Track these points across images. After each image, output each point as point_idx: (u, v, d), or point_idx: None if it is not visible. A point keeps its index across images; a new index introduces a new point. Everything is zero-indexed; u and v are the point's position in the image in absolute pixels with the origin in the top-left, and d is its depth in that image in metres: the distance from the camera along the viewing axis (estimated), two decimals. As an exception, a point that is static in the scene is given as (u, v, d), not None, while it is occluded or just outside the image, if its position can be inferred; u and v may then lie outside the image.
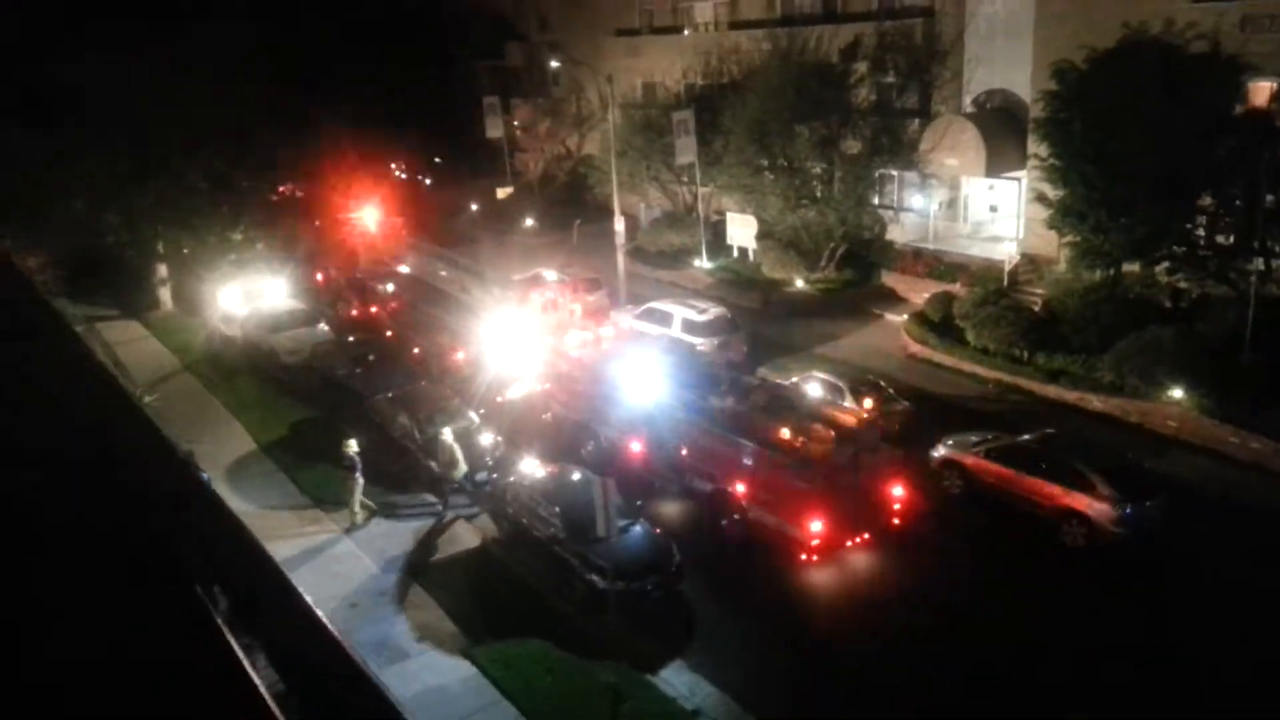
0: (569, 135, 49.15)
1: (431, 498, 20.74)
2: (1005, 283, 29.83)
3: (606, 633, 15.78)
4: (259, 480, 21.45)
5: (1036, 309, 27.50)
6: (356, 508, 19.59)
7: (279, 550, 16.96)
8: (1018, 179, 32.17)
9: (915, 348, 28.38)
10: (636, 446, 20.73)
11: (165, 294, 35.24)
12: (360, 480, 19.53)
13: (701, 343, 26.85)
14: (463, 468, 19.98)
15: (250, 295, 30.46)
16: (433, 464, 20.24)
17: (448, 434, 20.06)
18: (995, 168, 32.10)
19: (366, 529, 19.58)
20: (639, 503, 18.76)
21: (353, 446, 19.73)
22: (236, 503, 19.45)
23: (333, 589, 17.09)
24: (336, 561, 18.39)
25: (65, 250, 33.67)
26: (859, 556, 18.22)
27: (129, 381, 24.73)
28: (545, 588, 17.45)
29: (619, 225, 33.05)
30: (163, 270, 35.02)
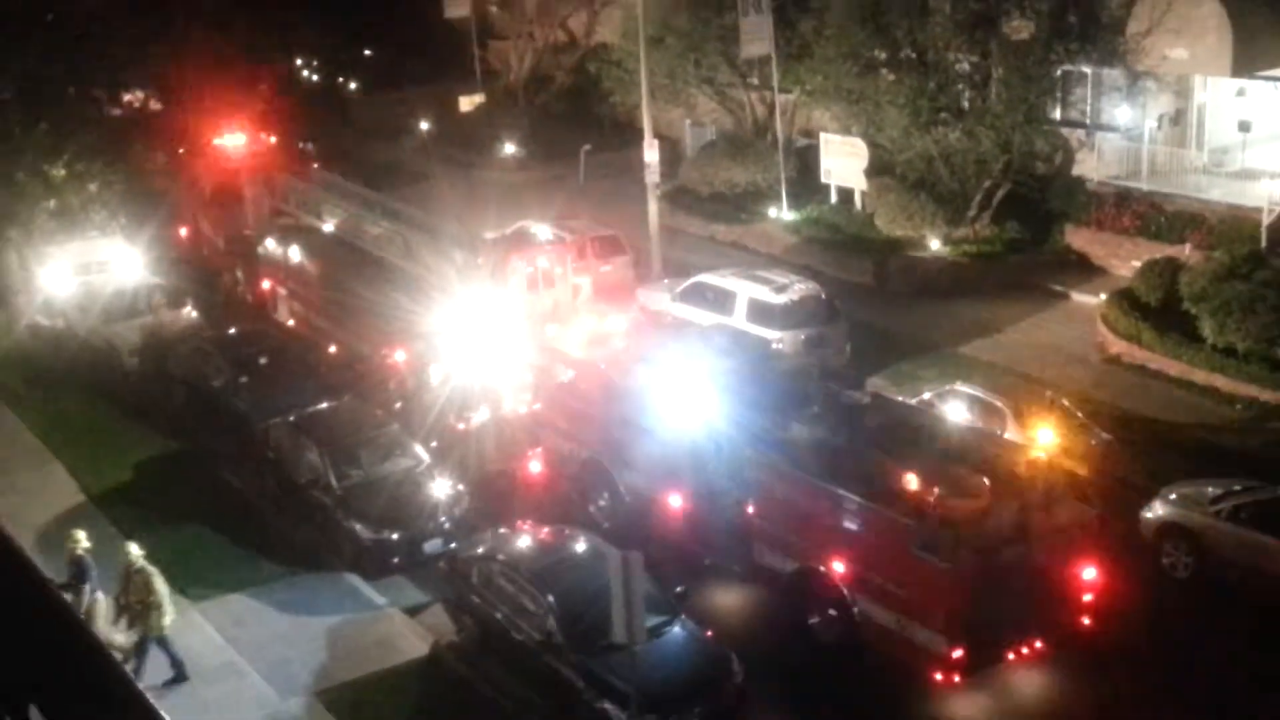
0: (572, 14, 49.26)
1: (355, 578, 20.86)
2: (1264, 243, 29.49)
3: (628, 793, 15.75)
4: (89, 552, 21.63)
5: (1314, 285, 27.20)
6: (116, 637, 18.17)
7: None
8: (1284, 79, 31.83)
9: (1119, 346, 28.21)
10: (676, 501, 20.72)
11: (-53, 263, 35.67)
12: (101, 599, 18.32)
13: (780, 337, 26.81)
14: (122, 638, 18.14)
15: (81, 266, 30.81)
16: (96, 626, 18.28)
17: (100, 601, 18.19)
18: (1248, 61, 31.68)
19: (254, 627, 19.70)
20: (680, 590, 18.76)
21: (81, 542, 18.73)
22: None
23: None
24: (207, 681, 18.49)
25: None
26: (1027, 676, 18.07)
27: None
28: (532, 721, 17.44)
29: (651, 154, 33.03)
30: (-56, 226, 35.47)
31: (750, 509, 19.70)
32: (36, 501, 23.29)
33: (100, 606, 18.53)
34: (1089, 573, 18.13)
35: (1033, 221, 34.24)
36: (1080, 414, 23.45)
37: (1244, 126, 34.23)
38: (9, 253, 32.74)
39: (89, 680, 5.91)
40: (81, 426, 26.75)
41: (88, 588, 18.61)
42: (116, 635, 18.57)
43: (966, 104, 34.04)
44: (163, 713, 5.82)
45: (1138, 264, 30.29)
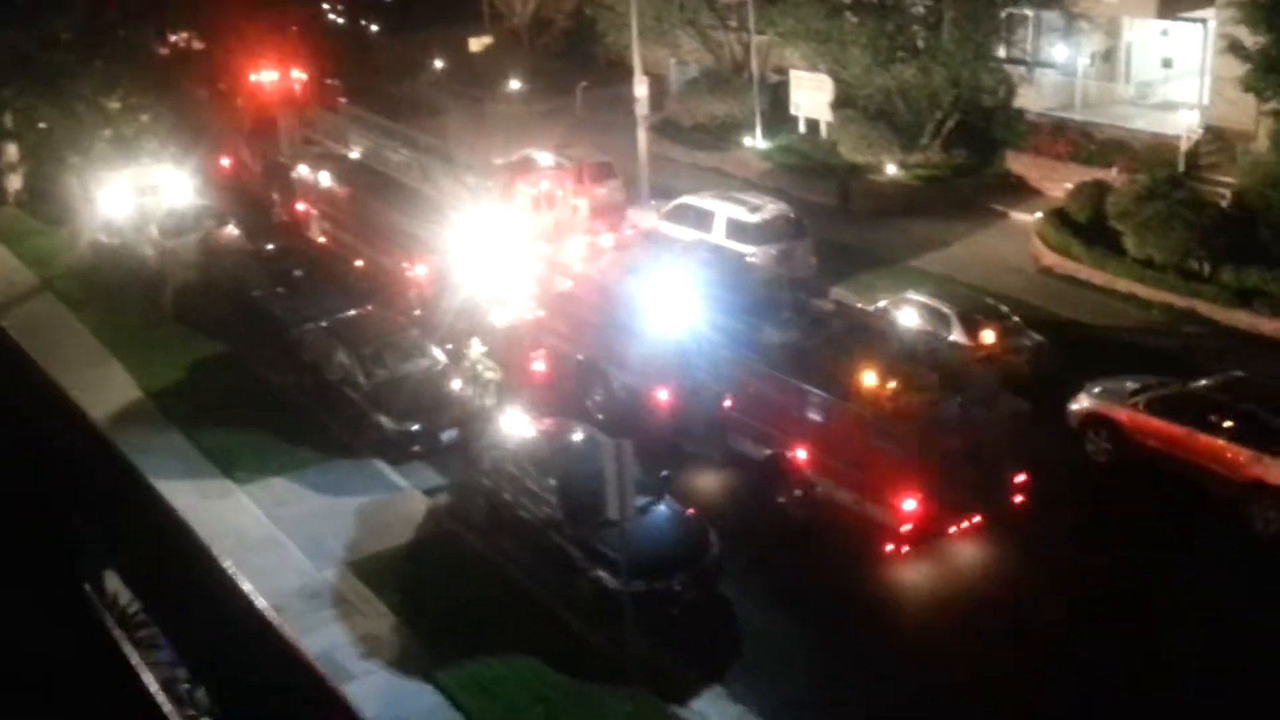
0: (571, -39, 48.46)
1: (380, 464, 20.94)
2: (1181, 167, 29.47)
3: (620, 649, 15.91)
4: (145, 441, 21.66)
5: (1224, 204, 27.10)
6: None
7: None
8: (1202, 21, 31.50)
9: (1052, 259, 28.25)
10: (663, 395, 20.75)
11: (15, 184, 35.32)
12: None
13: (754, 252, 26.75)
14: None
15: (136, 189, 30.59)
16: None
17: None
18: (1172, 4, 31.50)
19: (293, 506, 19.82)
20: (665, 473, 18.82)
21: None
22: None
23: (248, 588, 17.31)
24: (253, 551, 18.60)
25: None
26: (967, 547, 18.22)
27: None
28: (536, 587, 17.59)
29: (641, 89, 32.68)
30: (12, 151, 35.08)
31: (727, 403, 19.79)
32: (98, 396, 23.28)
33: None
34: (1021, 458, 18.25)
35: (978, 148, 34.16)
36: (1015, 318, 23.50)
37: (1167, 63, 34.26)
38: (71, 177, 32.50)
39: (163, 546, 5.84)
40: (137, 331, 26.67)
41: None
42: None
43: (921, 44, 33.73)
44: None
45: (1070, 186, 30.24)
